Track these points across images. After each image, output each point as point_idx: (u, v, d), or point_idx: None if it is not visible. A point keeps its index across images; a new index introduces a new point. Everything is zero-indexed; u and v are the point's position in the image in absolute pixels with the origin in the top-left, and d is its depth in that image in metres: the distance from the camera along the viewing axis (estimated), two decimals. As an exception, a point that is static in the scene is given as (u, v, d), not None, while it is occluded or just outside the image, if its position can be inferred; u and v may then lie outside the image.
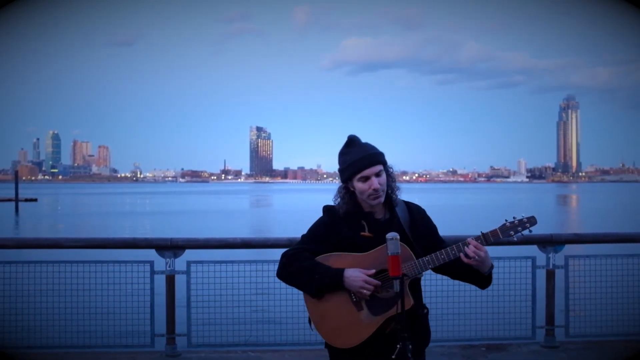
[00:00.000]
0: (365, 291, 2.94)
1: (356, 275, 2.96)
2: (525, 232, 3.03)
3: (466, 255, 2.95)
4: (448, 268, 3.10)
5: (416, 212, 3.21)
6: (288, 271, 3.09)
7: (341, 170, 3.13)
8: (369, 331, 2.97)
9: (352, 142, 3.12)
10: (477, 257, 2.94)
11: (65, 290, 5.83)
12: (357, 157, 3.06)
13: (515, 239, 3.03)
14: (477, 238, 3.00)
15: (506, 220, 3.05)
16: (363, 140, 3.16)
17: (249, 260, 6.04)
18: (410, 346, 2.79)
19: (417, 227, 3.15)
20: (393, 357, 2.76)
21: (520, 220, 3.02)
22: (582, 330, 6.20)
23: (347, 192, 3.13)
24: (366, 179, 3.04)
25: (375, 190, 3.04)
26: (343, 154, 3.13)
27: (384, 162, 3.11)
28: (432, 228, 3.25)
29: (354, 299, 3.00)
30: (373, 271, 2.98)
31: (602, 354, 5.96)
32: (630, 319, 6.23)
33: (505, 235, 3.01)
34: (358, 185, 3.06)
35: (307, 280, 3.02)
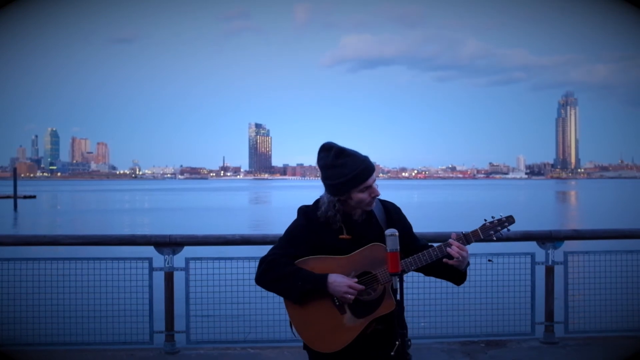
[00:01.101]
0: (349, 296, 2.91)
1: (340, 280, 2.92)
2: (504, 231, 3.05)
3: (449, 256, 2.95)
4: (425, 266, 3.06)
5: (393, 211, 3.18)
6: (268, 278, 3.02)
7: (339, 184, 2.95)
8: (353, 334, 2.94)
9: (343, 152, 2.96)
10: (460, 257, 2.95)
11: (63, 288, 5.82)
12: (359, 168, 2.94)
13: (494, 238, 3.05)
14: (458, 239, 2.99)
15: (485, 220, 3.06)
16: (337, 142, 3.02)
17: (248, 257, 6.02)
18: (410, 342, 2.77)
19: (394, 225, 3.06)
20: (392, 353, 2.75)
21: (500, 220, 3.05)
22: (581, 327, 6.20)
23: (340, 204, 3.02)
24: (368, 187, 2.98)
25: (375, 196, 3.02)
26: (335, 167, 2.95)
27: None
28: (408, 226, 3.21)
29: (337, 303, 2.96)
30: (355, 276, 2.95)
31: (601, 350, 5.96)
32: (630, 315, 6.23)
33: (485, 235, 3.02)
34: (358, 195, 2.98)
35: (289, 287, 2.96)
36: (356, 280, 2.94)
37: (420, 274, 3.20)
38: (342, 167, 2.95)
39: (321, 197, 3.08)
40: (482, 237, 3.02)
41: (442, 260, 2.99)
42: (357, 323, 2.94)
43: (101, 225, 37.85)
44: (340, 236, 3.01)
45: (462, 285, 3.20)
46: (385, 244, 2.84)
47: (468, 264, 3.06)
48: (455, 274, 3.08)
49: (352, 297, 2.92)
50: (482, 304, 6.04)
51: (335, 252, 3.00)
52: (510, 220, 3.05)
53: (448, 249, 2.95)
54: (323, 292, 2.94)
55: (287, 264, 2.99)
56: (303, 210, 3.11)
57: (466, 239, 3.00)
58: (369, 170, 2.97)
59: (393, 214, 3.15)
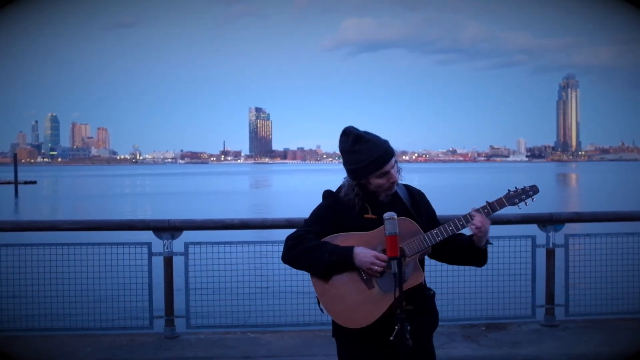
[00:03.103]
0: (376, 267, 2.90)
1: (366, 251, 2.92)
2: (529, 200, 3.06)
3: (474, 226, 2.96)
4: (446, 250, 3.09)
5: (417, 194, 3.20)
6: (294, 253, 3.01)
7: (356, 170, 2.98)
8: (382, 308, 2.92)
9: (361, 138, 2.97)
10: (483, 227, 2.95)
11: (63, 273, 5.81)
12: (375, 154, 2.94)
13: (519, 207, 3.06)
14: (483, 207, 3.01)
15: (509, 190, 3.07)
16: (360, 128, 3.04)
17: (247, 241, 6.00)
18: (408, 327, 2.74)
19: (419, 207, 3.13)
20: (391, 338, 2.73)
21: (524, 189, 3.07)
22: (581, 309, 6.20)
23: (360, 188, 3.04)
24: (385, 173, 2.98)
25: (394, 182, 3.02)
26: (353, 152, 2.98)
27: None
28: (432, 211, 3.24)
29: (364, 277, 2.95)
30: (382, 250, 2.94)
31: (601, 332, 5.95)
32: (630, 297, 6.22)
33: (510, 202, 3.04)
34: (376, 181, 2.99)
35: (315, 261, 2.95)
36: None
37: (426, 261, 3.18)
38: (359, 154, 2.96)
39: (343, 181, 3.11)
40: (506, 204, 3.04)
41: (461, 240, 3.04)
42: (386, 296, 2.92)
43: (101, 210, 37.82)
44: (366, 215, 3.02)
45: (464, 267, 3.18)
46: (414, 221, 2.98)
47: (488, 242, 3.06)
48: (477, 253, 3.07)
49: (379, 268, 2.91)
50: (483, 287, 6.03)
51: (361, 231, 3.01)
52: (534, 189, 3.06)
53: (471, 219, 2.97)
54: (350, 266, 2.93)
55: (312, 240, 2.99)
56: (328, 193, 3.13)
57: (491, 207, 3.01)
58: (386, 157, 2.97)
59: (417, 197, 3.18)
